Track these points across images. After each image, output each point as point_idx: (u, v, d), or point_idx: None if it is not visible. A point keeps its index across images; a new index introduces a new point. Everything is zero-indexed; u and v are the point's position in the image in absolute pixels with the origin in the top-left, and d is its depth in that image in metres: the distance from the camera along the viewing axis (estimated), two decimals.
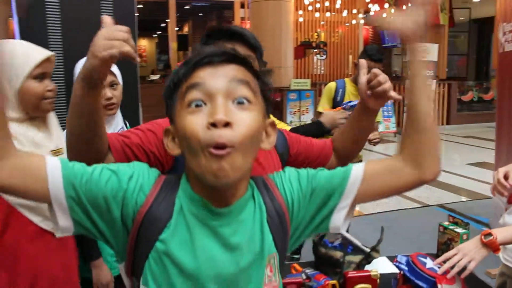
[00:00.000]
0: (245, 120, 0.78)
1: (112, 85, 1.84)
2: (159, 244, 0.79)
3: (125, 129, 1.99)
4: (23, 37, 2.38)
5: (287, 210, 0.88)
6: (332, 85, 3.29)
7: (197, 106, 0.79)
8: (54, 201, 0.77)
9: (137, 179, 0.81)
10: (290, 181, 0.90)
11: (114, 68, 1.87)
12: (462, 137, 10.00)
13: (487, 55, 16.75)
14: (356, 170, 0.91)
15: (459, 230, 1.72)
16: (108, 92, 1.81)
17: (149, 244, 0.80)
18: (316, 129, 2.23)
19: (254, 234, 0.84)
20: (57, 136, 1.59)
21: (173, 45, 11.98)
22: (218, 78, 0.80)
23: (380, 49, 3.16)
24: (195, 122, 0.77)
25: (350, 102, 2.47)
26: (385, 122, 9.99)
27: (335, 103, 3.19)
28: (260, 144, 0.85)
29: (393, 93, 1.21)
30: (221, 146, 0.75)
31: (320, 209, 0.89)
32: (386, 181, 0.93)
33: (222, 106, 0.78)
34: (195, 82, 0.80)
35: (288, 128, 2.40)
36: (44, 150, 1.48)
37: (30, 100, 1.46)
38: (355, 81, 3.18)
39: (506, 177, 1.59)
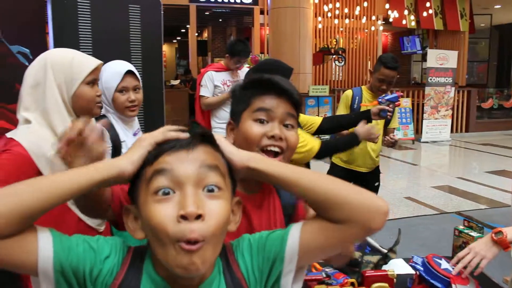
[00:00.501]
0: (216, 210, 0.76)
1: (135, 89, 2.02)
2: None
3: (140, 132, 2.11)
4: (57, 44, 2.50)
5: (246, 286, 0.84)
6: (348, 93, 3.33)
7: (164, 194, 0.76)
8: (41, 273, 0.75)
9: (112, 259, 0.80)
10: (243, 255, 0.86)
11: (137, 74, 2.01)
12: (481, 144, 9.92)
13: (509, 62, 16.57)
14: (293, 233, 0.84)
15: (474, 234, 1.77)
16: (132, 95, 1.97)
17: None
18: (350, 142, 2.29)
19: None
20: (107, 136, 1.75)
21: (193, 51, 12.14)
22: (187, 165, 0.77)
23: (395, 57, 3.18)
24: (164, 213, 0.74)
25: (386, 95, 2.49)
26: (404, 129, 10.00)
27: (352, 111, 3.23)
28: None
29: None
30: (192, 242, 0.72)
31: (270, 276, 0.85)
32: (328, 237, 0.82)
33: (192, 196, 0.75)
34: (162, 168, 0.77)
35: (319, 120, 2.42)
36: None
37: (83, 104, 1.58)
38: (371, 89, 3.22)
39: None
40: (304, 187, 0.83)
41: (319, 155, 2.19)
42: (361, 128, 2.30)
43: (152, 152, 0.80)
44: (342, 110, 3.32)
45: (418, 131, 10.22)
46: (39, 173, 1.47)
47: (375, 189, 3.41)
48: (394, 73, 3.10)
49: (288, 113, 1.14)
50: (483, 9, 13.65)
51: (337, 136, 2.86)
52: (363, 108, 3.12)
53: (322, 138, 2.60)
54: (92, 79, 1.61)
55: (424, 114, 10.08)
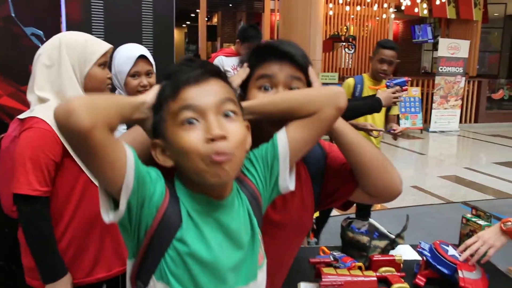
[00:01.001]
0: (235, 130, 0.90)
1: (148, 73, 2.02)
2: (176, 243, 0.89)
3: None
4: (69, 27, 2.52)
5: (258, 192, 1.01)
6: (350, 81, 3.29)
7: (190, 123, 0.88)
8: (124, 187, 0.82)
9: (161, 182, 0.91)
10: (248, 169, 1.02)
11: (151, 58, 2.02)
12: (490, 135, 9.88)
13: None
14: (280, 136, 1.01)
15: (482, 222, 1.78)
16: (144, 80, 1.99)
17: (165, 243, 0.89)
18: (372, 104, 2.25)
19: (245, 219, 0.97)
20: None
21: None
22: (206, 97, 0.90)
23: (392, 41, 3.23)
24: (193, 137, 0.87)
25: (394, 79, 2.49)
26: (412, 118, 9.97)
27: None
28: None
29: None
30: (221, 154, 0.86)
31: (271, 178, 1.03)
32: (309, 129, 1.01)
33: (215, 122, 0.88)
34: (187, 104, 0.89)
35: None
36: None
37: (94, 85, 1.62)
38: (373, 76, 3.21)
39: None
40: (280, 105, 1.04)
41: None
42: (383, 93, 2.28)
43: (170, 87, 0.91)
44: None
45: (426, 120, 10.17)
46: (64, 148, 1.50)
47: None
48: (393, 53, 3.11)
49: (292, 76, 1.12)
50: None
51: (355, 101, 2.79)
52: (371, 92, 3.11)
53: None
54: (104, 62, 1.65)
55: (433, 104, 10.03)
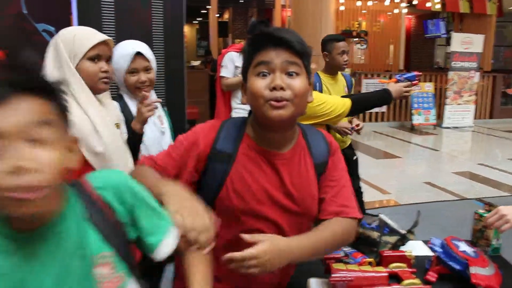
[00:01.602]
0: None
1: (147, 69, 2.03)
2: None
3: (160, 109, 2.14)
4: (80, 23, 2.54)
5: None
6: None
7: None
8: None
9: None
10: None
11: (149, 54, 2.03)
12: (505, 131, 9.75)
13: None
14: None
15: None
16: (142, 76, 2.00)
17: None
18: (383, 96, 2.27)
19: None
20: (115, 112, 1.77)
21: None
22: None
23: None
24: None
25: (404, 74, 2.49)
26: (425, 114, 9.87)
27: None
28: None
29: None
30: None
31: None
32: None
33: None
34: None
35: (349, 103, 2.38)
36: (110, 123, 1.64)
37: (85, 79, 1.59)
38: (332, 71, 3.36)
39: None
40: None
41: (353, 113, 2.30)
42: (394, 86, 2.29)
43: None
44: None
45: (439, 116, 10.07)
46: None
47: (355, 163, 3.59)
48: (346, 43, 3.40)
49: (287, 61, 1.18)
50: None
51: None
52: (330, 88, 3.27)
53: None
54: (95, 55, 1.60)
55: (447, 99, 9.92)
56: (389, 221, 1.66)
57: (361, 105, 2.33)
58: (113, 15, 2.64)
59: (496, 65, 14.20)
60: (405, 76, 2.44)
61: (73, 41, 1.58)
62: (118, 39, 2.62)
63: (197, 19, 18.90)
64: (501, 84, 11.00)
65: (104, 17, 2.63)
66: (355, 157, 3.62)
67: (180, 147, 1.28)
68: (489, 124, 10.62)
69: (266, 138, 1.26)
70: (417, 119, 9.75)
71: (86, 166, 1.51)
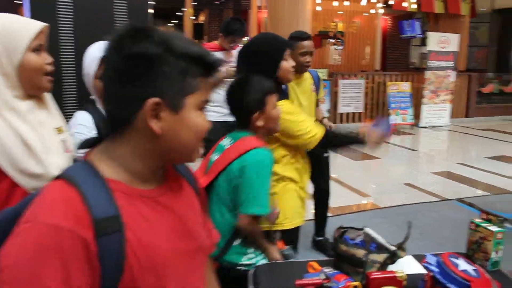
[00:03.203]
0: None
1: None
2: None
3: None
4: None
5: None
6: None
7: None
8: None
9: None
10: None
11: None
12: (481, 130, 9.78)
13: (509, 47, 16.36)
14: None
15: (493, 228, 1.59)
16: None
17: None
18: (355, 142, 2.20)
19: None
20: (57, 115, 1.52)
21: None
22: None
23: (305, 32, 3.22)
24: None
25: (381, 121, 2.30)
26: (402, 114, 9.85)
27: None
28: None
29: None
30: None
31: None
32: None
33: None
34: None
35: (321, 132, 2.22)
36: (48, 127, 1.42)
37: (30, 75, 1.36)
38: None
39: None
40: None
41: (323, 145, 2.14)
42: (371, 138, 2.15)
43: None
44: None
45: (417, 116, 10.06)
46: None
47: (325, 160, 3.50)
48: (311, 42, 3.09)
49: None
50: None
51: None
52: (295, 87, 3.02)
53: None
54: (38, 45, 1.37)
55: (424, 99, 9.91)
56: (376, 236, 1.49)
57: (331, 142, 2.27)
58: (71, 16, 2.43)
59: (469, 65, 14.35)
60: (380, 125, 2.23)
61: (9, 31, 1.32)
62: (77, 40, 2.43)
63: (172, 21, 18.69)
64: (476, 83, 11.07)
65: (61, 20, 2.41)
66: (326, 154, 3.52)
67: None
68: (465, 122, 10.66)
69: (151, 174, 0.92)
70: (394, 119, 9.71)
71: (13, 189, 1.29)
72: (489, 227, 1.58)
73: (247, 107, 1.77)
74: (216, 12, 15.48)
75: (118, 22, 2.55)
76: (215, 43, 4.15)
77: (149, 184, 0.90)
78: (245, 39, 4.76)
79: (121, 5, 2.57)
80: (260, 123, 1.78)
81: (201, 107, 0.90)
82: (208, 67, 0.90)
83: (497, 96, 11.48)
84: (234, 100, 1.84)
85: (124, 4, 2.58)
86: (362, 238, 1.50)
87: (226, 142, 1.83)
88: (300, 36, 3.08)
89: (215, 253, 1.69)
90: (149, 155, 0.88)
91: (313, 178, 2.98)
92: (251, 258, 1.76)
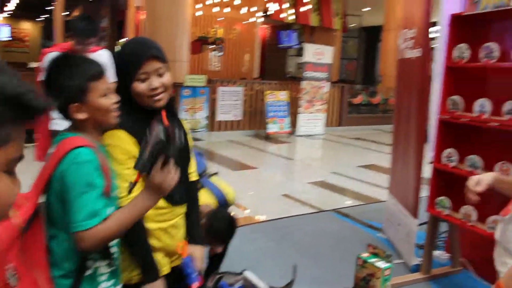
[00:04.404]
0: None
1: None
2: None
3: None
4: None
5: None
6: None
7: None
8: None
9: None
10: None
11: None
12: (353, 138, 10.34)
13: (373, 61, 17.81)
14: None
15: (381, 264, 1.48)
16: None
17: None
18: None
19: None
20: None
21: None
22: None
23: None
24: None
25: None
26: (280, 122, 10.05)
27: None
28: None
29: None
30: None
31: None
32: None
33: None
34: None
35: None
36: None
37: None
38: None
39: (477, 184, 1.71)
40: None
41: None
42: None
43: None
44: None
45: (293, 124, 10.32)
46: None
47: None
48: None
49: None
50: (355, 10, 14.33)
51: None
52: None
53: None
54: None
55: (300, 108, 10.20)
56: (256, 281, 1.29)
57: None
58: None
59: (341, 76, 15.26)
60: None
61: None
62: None
63: (42, 16, 17.25)
64: (347, 94, 11.71)
65: None
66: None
67: None
68: (338, 131, 11.19)
69: None
70: (272, 128, 9.84)
71: None
72: (376, 264, 1.47)
73: (62, 97, 1.37)
74: (92, 9, 14.55)
75: None
76: (70, 43, 3.52)
77: None
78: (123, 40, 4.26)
79: None
80: (82, 116, 1.38)
81: (10, 168, 0.62)
82: (27, 111, 0.62)
83: (365, 107, 12.26)
84: (49, 87, 1.41)
85: None
86: (242, 283, 1.29)
87: (50, 151, 1.40)
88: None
89: None
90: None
91: None
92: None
